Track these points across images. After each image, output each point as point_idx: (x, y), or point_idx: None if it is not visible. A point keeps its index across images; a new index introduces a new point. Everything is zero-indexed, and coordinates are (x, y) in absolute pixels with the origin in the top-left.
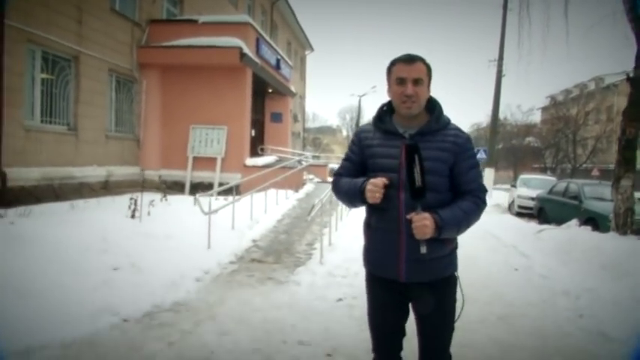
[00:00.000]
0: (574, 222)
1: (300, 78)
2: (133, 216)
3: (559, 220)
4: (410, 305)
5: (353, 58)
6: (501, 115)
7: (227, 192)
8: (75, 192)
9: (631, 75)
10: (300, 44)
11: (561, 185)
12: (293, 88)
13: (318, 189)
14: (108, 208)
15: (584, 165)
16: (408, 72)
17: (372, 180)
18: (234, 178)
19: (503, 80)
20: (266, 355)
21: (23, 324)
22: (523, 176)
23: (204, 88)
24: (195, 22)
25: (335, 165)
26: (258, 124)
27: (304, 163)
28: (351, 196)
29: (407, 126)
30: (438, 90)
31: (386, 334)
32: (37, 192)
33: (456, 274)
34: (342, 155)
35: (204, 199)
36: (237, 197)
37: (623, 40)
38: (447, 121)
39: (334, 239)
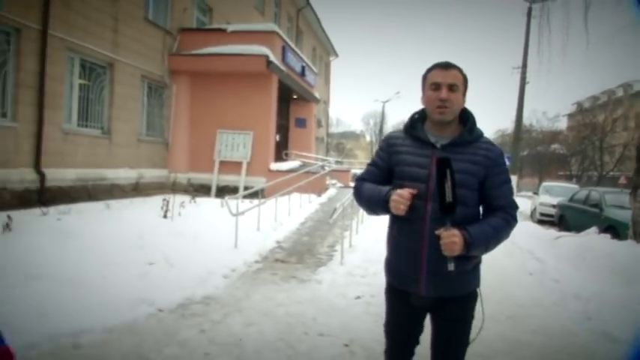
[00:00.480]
0: (593, 229)
1: (325, 83)
2: (165, 216)
3: (579, 228)
4: (427, 317)
5: (377, 65)
6: (526, 122)
7: (252, 195)
8: (107, 193)
9: None
10: (325, 50)
11: (582, 193)
12: (317, 95)
13: (340, 194)
14: (141, 208)
15: (611, 173)
16: (443, 77)
17: (399, 191)
18: (258, 182)
19: (529, 86)
20: (289, 344)
21: (71, 309)
22: (545, 184)
23: (232, 94)
24: (223, 30)
25: (358, 170)
26: (282, 129)
27: (327, 169)
28: (373, 203)
29: (439, 136)
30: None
31: (400, 343)
32: (73, 192)
33: (477, 290)
34: (365, 160)
35: (232, 201)
36: (262, 200)
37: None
38: (480, 134)
39: (354, 241)
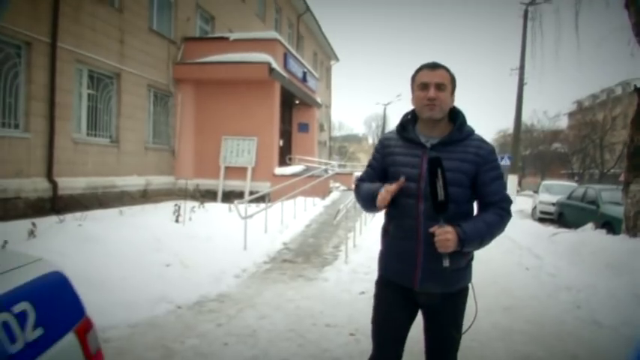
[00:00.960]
0: (589, 226)
1: (326, 88)
2: (177, 220)
3: (578, 225)
4: (418, 313)
5: (377, 68)
6: (528, 122)
7: (258, 199)
8: (117, 200)
9: (638, 86)
10: (326, 55)
11: (580, 191)
12: (319, 99)
13: (344, 196)
14: (152, 214)
15: (612, 170)
16: (430, 77)
17: (387, 185)
18: (264, 187)
19: (529, 87)
20: (299, 333)
21: (97, 308)
22: (545, 182)
23: (235, 101)
24: (226, 39)
25: (360, 173)
26: (286, 134)
27: (330, 172)
28: (367, 200)
29: (429, 135)
30: (463, 96)
31: (388, 341)
32: (84, 200)
33: (470, 285)
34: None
35: (240, 205)
36: (269, 204)
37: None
38: (470, 132)
39: (358, 242)
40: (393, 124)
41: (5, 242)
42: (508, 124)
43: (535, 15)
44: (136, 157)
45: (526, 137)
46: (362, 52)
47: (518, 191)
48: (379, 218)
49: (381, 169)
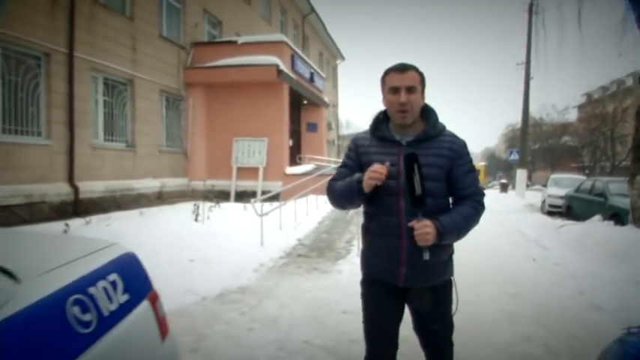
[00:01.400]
0: (597, 217)
1: (333, 87)
2: (196, 219)
3: (586, 217)
4: (406, 309)
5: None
6: (536, 115)
7: (271, 198)
8: (134, 202)
9: None
10: (332, 54)
11: (588, 183)
12: (326, 99)
13: None
14: (171, 214)
15: (624, 162)
16: (400, 80)
17: (373, 167)
18: (275, 186)
19: (537, 80)
20: (317, 320)
21: None
22: (554, 176)
23: (245, 103)
24: (234, 42)
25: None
26: (295, 134)
27: None
28: (347, 192)
29: (403, 133)
30: (470, 92)
31: (381, 340)
32: (103, 203)
33: (452, 278)
34: None
35: (256, 204)
36: (282, 202)
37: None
38: (443, 128)
39: None
40: None
41: (67, 225)
42: (517, 119)
43: (540, 9)
44: (150, 160)
45: (535, 131)
46: (368, 50)
47: (528, 185)
48: None
49: (356, 168)
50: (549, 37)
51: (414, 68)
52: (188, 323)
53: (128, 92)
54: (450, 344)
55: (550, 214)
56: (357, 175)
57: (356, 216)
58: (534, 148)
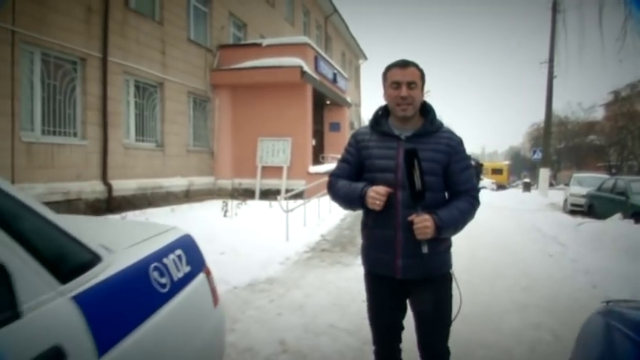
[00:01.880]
0: (617, 216)
1: (355, 87)
2: (225, 215)
3: (607, 216)
4: (407, 302)
5: None
6: (562, 114)
7: (295, 196)
8: (163, 200)
9: None
10: (354, 54)
11: (610, 182)
12: (349, 99)
13: None
14: (200, 210)
15: None
16: (402, 76)
17: (375, 188)
18: (299, 185)
19: (562, 78)
20: (340, 307)
21: None
22: (577, 175)
23: (270, 104)
24: (259, 45)
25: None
26: (318, 134)
27: None
28: (349, 200)
29: (402, 128)
30: (494, 91)
31: (385, 327)
32: (135, 200)
33: (451, 271)
34: None
35: (283, 201)
36: (306, 200)
37: None
38: (441, 124)
39: None
40: None
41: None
42: (542, 117)
43: (562, 7)
44: (179, 159)
45: (560, 130)
46: (390, 49)
47: (552, 185)
48: None
49: (356, 163)
50: (574, 35)
51: (415, 65)
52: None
53: (158, 94)
54: (445, 352)
55: (572, 212)
56: (360, 187)
57: None
58: (560, 147)
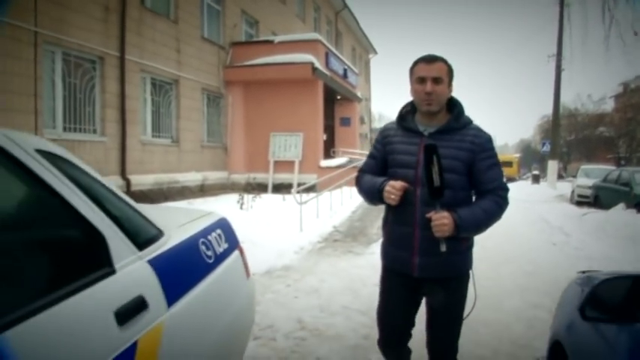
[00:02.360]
0: (620, 206)
1: (365, 81)
2: (241, 207)
3: (612, 206)
4: (422, 300)
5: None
6: (571, 106)
7: (307, 190)
8: (179, 194)
9: None
10: (364, 49)
11: (614, 173)
12: (359, 94)
13: None
14: (216, 204)
15: None
16: (428, 71)
17: (392, 182)
18: (310, 178)
19: (570, 71)
20: (353, 290)
21: None
22: (584, 167)
23: (282, 100)
24: (271, 42)
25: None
26: (329, 128)
27: None
28: (370, 194)
29: (427, 124)
30: (506, 83)
31: (395, 328)
32: (152, 194)
33: (470, 271)
34: None
35: (297, 194)
36: (319, 193)
37: None
38: (468, 121)
39: None
40: None
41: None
42: (551, 110)
43: (571, 0)
44: (193, 154)
45: (570, 122)
46: (400, 43)
47: (562, 177)
48: None
49: (382, 158)
50: (582, 28)
51: (443, 60)
52: None
53: (173, 91)
54: (453, 350)
55: (579, 204)
56: (380, 180)
57: None
58: (569, 139)
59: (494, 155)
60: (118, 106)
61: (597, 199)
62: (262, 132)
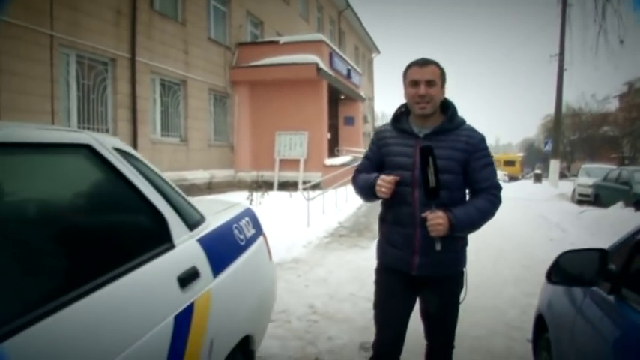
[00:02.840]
0: (619, 204)
1: (369, 81)
2: (250, 204)
3: (612, 205)
4: (417, 299)
5: (416, 57)
6: (575, 105)
7: (313, 187)
8: (187, 192)
9: None
10: (367, 48)
11: (614, 173)
12: (363, 93)
13: None
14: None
15: None
16: (421, 74)
17: (383, 176)
18: (315, 177)
19: (575, 70)
20: (360, 280)
21: None
22: (585, 166)
23: (287, 99)
24: (276, 42)
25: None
26: (333, 128)
27: None
28: (365, 190)
29: (422, 126)
30: (508, 82)
31: (390, 326)
32: None
33: (464, 269)
34: None
35: (305, 191)
36: (324, 190)
37: None
38: (461, 122)
39: None
40: None
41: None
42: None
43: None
44: (201, 153)
45: (573, 121)
46: (403, 42)
47: (566, 176)
48: None
49: (377, 160)
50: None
51: (435, 63)
52: None
53: (181, 92)
54: (450, 346)
55: (580, 202)
56: (373, 177)
57: None
58: (573, 138)
59: (488, 155)
60: (130, 106)
61: (597, 197)
62: (268, 131)
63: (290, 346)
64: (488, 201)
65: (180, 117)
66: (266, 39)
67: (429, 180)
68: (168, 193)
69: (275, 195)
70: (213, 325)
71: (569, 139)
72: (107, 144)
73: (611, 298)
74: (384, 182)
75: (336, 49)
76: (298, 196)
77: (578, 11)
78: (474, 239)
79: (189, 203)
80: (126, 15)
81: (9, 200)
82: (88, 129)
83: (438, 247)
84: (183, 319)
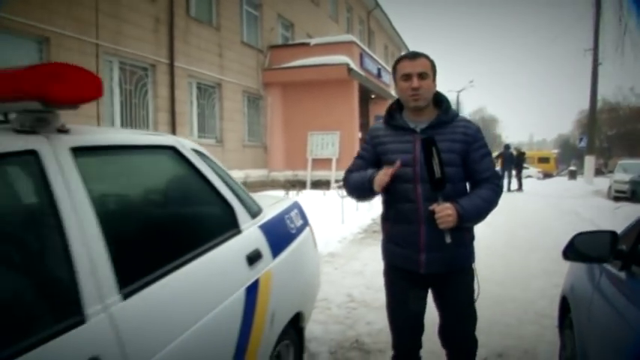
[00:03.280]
0: None
1: None
2: None
3: None
4: (428, 295)
5: (449, 55)
6: (612, 99)
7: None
8: None
9: None
10: (397, 46)
11: None
12: (393, 92)
13: None
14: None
15: None
16: (412, 67)
17: (385, 169)
18: None
19: (612, 64)
20: None
21: None
22: (622, 162)
23: (318, 100)
24: (307, 44)
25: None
26: (364, 127)
27: None
28: (359, 187)
29: (417, 121)
30: (543, 77)
31: (406, 328)
32: None
33: (473, 265)
34: None
35: (339, 190)
36: None
37: None
38: (456, 114)
39: None
40: (467, 109)
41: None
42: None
43: None
44: (236, 153)
45: (611, 116)
46: (433, 40)
47: (603, 172)
48: None
49: (371, 159)
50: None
51: (425, 56)
52: None
53: (217, 94)
54: (472, 340)
55: (616, 199)
56: (369, 172)
57: None
58: (610, 133)
59: (486, 145)
60: (169, 109)
61: (634, 193)
62: (300, 131)
63: (332, 330)
64: (492, 190)
65: (215, 119)
66: (297, 41)
67: (435, 171)
68: (233, 186)
69: (308, 193)
70: (274, 300)
71: (606, 135)
72: (186, 145)
73: (622, 274)
74: (384, 174)
75: (366, 48)
76: (331, 194)
77: (612, 2)
78: (509, 231)
79: (249, 196)
80: (164, 22)
81: (116, 192)
82: None
83: (448, 239)
84: (251, 292)
